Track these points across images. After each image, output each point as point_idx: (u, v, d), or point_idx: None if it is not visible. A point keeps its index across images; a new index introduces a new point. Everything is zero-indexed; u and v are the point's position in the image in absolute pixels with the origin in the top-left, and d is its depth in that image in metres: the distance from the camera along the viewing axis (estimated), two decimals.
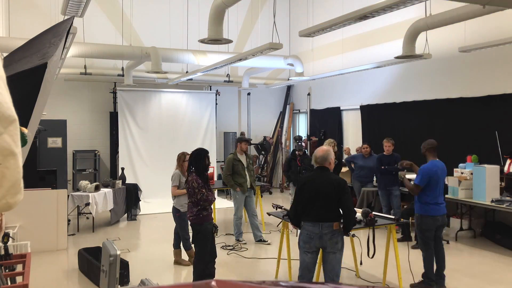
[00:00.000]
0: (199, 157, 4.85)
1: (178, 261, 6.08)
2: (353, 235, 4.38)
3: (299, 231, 4.20)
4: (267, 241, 7.07)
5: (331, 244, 3.98)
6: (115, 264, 3.30)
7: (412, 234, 7.17)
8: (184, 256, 6.14)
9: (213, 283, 0.78)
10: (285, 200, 10.79)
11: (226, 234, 7.57)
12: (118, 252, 3.44)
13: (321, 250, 4.09)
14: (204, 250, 4.80)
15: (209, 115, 11.84)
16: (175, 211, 5.90)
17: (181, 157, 6.00)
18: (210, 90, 12.28)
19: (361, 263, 5.56)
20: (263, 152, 12.79)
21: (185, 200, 5.43)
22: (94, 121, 11.36)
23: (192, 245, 5.22)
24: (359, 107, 10.55)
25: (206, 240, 4.81)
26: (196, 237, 4.81)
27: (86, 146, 11.15)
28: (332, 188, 3.93)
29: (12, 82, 1.15)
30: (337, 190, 3.93)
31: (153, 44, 8.90)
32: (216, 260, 4.97)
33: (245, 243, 6.98)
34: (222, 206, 9.92)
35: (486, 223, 7.37)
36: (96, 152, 10.99)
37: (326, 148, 4.18)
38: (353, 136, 11.02)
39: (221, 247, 6.66)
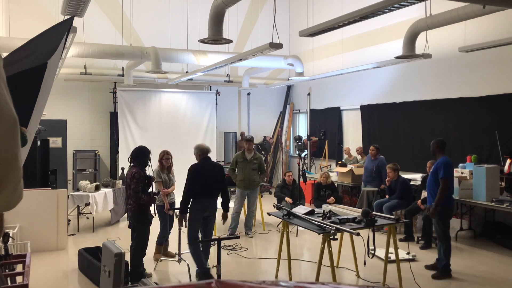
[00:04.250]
0: (141, 153, 5.21)
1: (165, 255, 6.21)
2: (358, 234, 4.42)
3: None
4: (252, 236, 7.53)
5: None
6: (120, 264, 3.27)
7: (415, 235, 7.17)
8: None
9: (213, 283, 0.78)
10: None
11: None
12: (123, 252, 3.41)
13: None
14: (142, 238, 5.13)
15: (209, 115, 11.83)
16: (161, 207, 6.12)
17: (160, 155, 6.45)
18: (210, 90, 12.27)
19: (364, 264, 5.64)
20: (263, 152, 12.78)
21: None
22: (94, 121, 11.36)
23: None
24: (359, 107, 10.55)
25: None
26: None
27: (86, 146, 11.14)
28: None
29: (12, 82, 1.15)
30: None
31: (153, 44, 8.89)
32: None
33: (238, 237, 7.01)
34: None
35: (486, 223, 7.37)
36: (96, 152, 10.98)
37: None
38: (353, 136, 11.02)
39: (221, 247, 6.64)
